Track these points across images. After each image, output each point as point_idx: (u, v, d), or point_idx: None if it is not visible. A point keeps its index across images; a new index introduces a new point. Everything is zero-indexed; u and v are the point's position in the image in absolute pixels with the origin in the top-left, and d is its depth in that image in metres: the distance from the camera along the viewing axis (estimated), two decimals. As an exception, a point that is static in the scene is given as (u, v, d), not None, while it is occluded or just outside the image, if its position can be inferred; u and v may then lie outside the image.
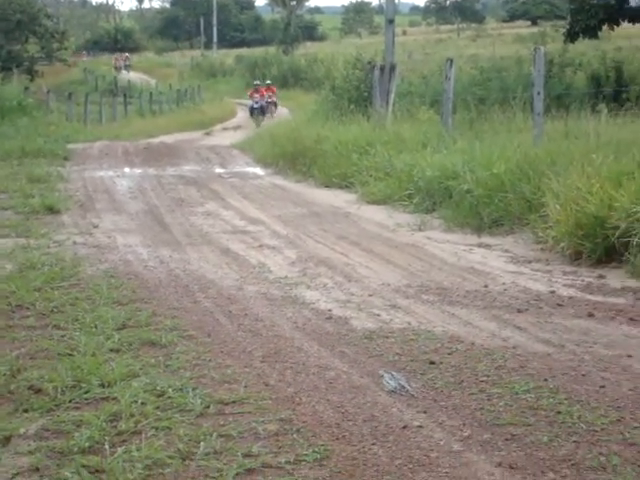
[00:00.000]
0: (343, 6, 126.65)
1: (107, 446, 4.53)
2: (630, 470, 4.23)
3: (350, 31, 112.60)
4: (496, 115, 15.56)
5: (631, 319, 6.91)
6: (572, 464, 4.32)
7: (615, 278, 8.31)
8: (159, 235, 11.10)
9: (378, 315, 7.17)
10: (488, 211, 11.04)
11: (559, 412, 4.94)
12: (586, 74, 23.31)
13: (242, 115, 42.32)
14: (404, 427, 4.78)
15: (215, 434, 4.66)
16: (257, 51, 75.83)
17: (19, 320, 6.96)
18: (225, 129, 36.29)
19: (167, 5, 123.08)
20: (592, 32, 28.98)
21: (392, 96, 19.79)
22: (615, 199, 8.73)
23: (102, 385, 5.40)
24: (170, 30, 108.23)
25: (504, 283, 8.24)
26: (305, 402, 5.17)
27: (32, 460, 4.42)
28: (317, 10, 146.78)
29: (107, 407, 5.02)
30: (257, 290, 8.11)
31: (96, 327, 6.63)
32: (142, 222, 12.19)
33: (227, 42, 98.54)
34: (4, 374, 5.60)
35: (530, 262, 9.24)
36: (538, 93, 12.98)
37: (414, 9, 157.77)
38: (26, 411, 5.05)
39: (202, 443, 4.56)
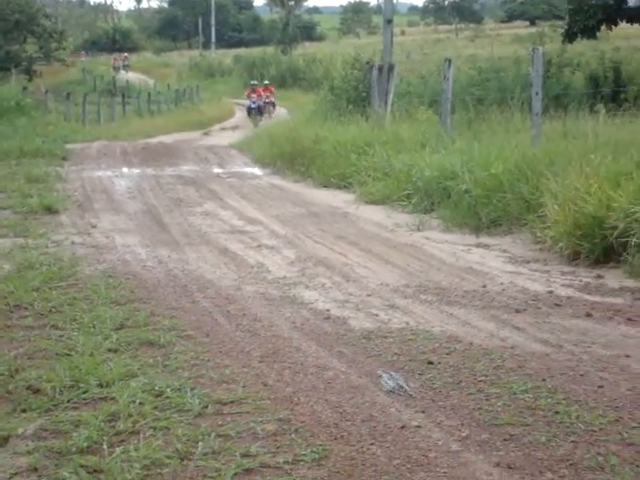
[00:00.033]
0: (341, 6, 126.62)
1: (105, 446, 4.53)
2: (628, 470, 4.23)
3: (348, 31, 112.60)
4: (494, 115, 15.56)
5: (629, 319, 6.92)
6: (570, 464, 4.32)
7: (613, 278, 8.31)
8: (157, 235, 11.10)
9: (376, 315, 7.17)
10: (486, 211, 11.05)
11: (557, 412, 4.94)
12: (584, 74, 23.32)
13: (240, 115, 42.31)
14: (402, 427, 4.78)
15: (213, 434, 4.66)
16: (255, 51, 75.83)
17: (17, 320, 6.96)
18: (223, 129, 36.30)
19: (165, 5, 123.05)
20: (590, 32, 28.97)
21: (391, 96, 19.80)
22: (613, 199, 8.73)
23: (100, 385, 5.40)
24: (168, 30, 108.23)
25: (502, 283, 8.24)
26: (303, 402, 5.17)
27: (30, 460, 4.42)
28: (315, 10, 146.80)
29: (105, 407, 5.02)
30: (255, 290, 8.11)
31: (94, 327, 6.63)
32: (140, 222, 12.19)
33: (225, 42, 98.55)
34: (2, 374, 5.60)
35: (528, 262, 9.25)
36: (536, 93, 12.99)
37: (412, 9, 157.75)
38: (24, 411, 5.05)
39: (200, 443, 4.56)
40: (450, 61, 16.49)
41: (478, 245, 10.25)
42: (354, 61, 23.11)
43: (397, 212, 12.77)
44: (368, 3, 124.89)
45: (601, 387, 5.35)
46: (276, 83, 51.53)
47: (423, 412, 5.01)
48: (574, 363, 5.83)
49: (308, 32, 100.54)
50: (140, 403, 5.07)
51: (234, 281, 8.49)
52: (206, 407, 5.07)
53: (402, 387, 5.38)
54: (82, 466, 4.32)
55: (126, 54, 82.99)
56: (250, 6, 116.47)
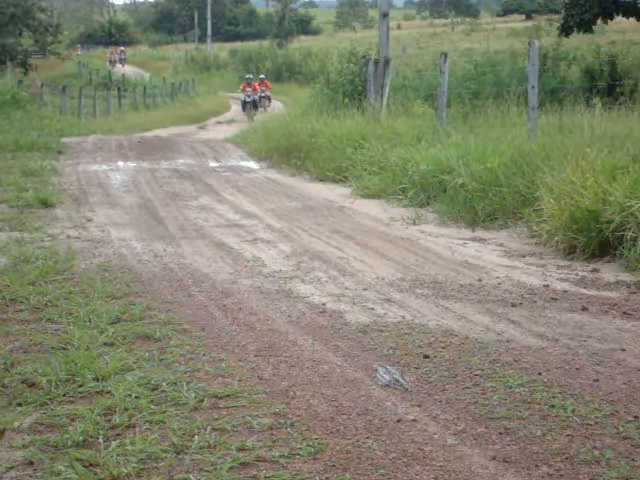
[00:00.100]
0: (337, 0, 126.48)
1: (101, 440, 4.53)
2: (624, 464, 4.23)
3: (344, 25, 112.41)
4: (490, 109, 15.57)
5: (625, 313, 6.93)
6: (566, 457, 4.32)
7: (609, 272, 8.32)
8: (153, 229, 11.09)
9: (372, 309, 7.18)
10: (482, 205, 11.05)
11: (553, 406, 4.94)
12: (580, 68, 23.30)
13: (236, 109, 42.26)
14: (398, 421, 4.78)
15: (209, 428, 4.66)
16: (251, 45, 75.71)
17: (13, 314, 6.95)
18: (219, 123, 36.27)
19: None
20: (586, 26, 28.98)
21: (386, 90, 19.79)
22: (609, 193, 8.74)
23: (96, 379, 5.40)
24: (164, 23, 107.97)
25: (498, 277, 8.25)
26: (299, 396, 5.17)
27: (26, 454, 4.42)
28: (311, 4, 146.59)
29: (101, 401, 5.02)
30: (251, 284, 8.11)
31: (90, 321, 6.63)
32: (136, 216, 12.18)
33: (221, 36, 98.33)
34: (-2, 368, 5.61)
35: (524, 256, 9.25)
36: (532, 87, 12.99)
37: (408, 3, 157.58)
38: (20, 405, 5.05)
39: (196, 437, 4.56)
40: (446, 55, 16.48)
41: (474, 239, 10.26)
42: (350, 55, 23.08)
43: (393, 206, 12.78)
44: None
45: (597, 381, 5.35)
46: (272, 77, 51.48)
47: (419, 406, 5.02)
48: (570, 357, 5.84)
49: (304, 26, 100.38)
50: (136, 397, 5.07)
51: (230, 275, 8.49)
52: (202, 401, 5.07)
53: (398, 381, 5.39)
54: (78, 460, 4.32)
55: (122, 48, 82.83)
56: (246, 0, 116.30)
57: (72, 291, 7.57)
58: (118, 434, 4.62)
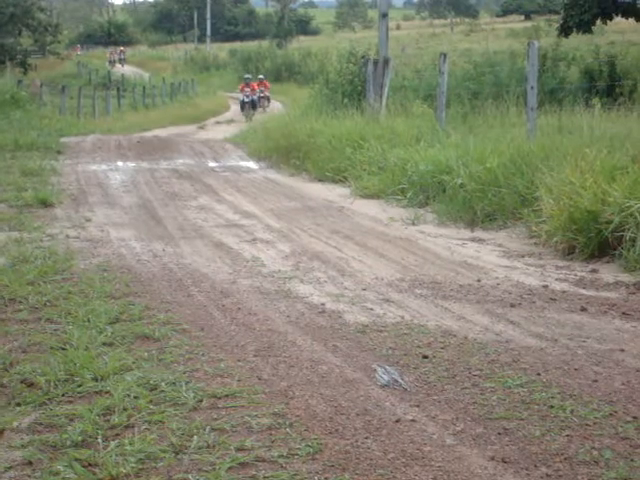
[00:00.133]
0: (337, 0, 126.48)
1: (100, 440, 4.53)
2: (623, 464, 4.23)
3: (344, 25, 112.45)
4: (489, 109, 15.58)
5: (624, 313, 6.93)
6: (565, 458, 4.32)
7: (608, 272, 8.32)
8: (152, 229, 11.09)
9: (371, 309, 7.18)
10: (481, 205, 11.05)
11: (552, 406, 4.94)
12: (579, 68, 23.32)
13: (235, 109, 42.27)
14: (397, 421, 4.78)
15: (208, 428, 4.66)
16: (251, 45, 75.73)
17: (12, 314, 6.95)
18: (218, 123, 36.29)
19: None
20: (586, 26, 29.03)
21: (386, 90, 19.80)
22: (608, 194, 8.74)
23: (95, 379, 5.39)
24: (163, 23, 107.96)
25: (497, 277, 8.25)
26: (298, 396, 5.17)
27: (25, 454, 4.42)
28: (311, 4, 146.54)
29: (100, 401, 5.02)
30: (250, 284, 8.11)
31: (89, 321, 6.62)
32: (135, 216, 12.18)
33: (221, 36, 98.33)
34: (-3, 368, 5.60)
35: (523, 256, 9.25)
36: (531, 87, 12.99)
37: (408, 3, 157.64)
38: (19, 405, 5.04)
39: (195, 437, 4.55)
40: (445, 55, 16.49)
41: (473, 239, 10.26)
42: (349, 55, 23.10)
43: (392, 206, 12.78)
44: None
45: (595, 381, 5.35)
46: (271, 77, 51.52)
47: (418, 406, 5.02)
48: (569, 357, 5.84)
49: (303, 26, 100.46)
50: (135, 397, 5.07)
51: (229, 275, 8.48)
52: (201, 401, 5.07)
53: (397, 381, 5.39)
54: (77, 460, 4.32)
55: (122, 48, 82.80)
56: (245, 0, 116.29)
57: (71, 291, 7.56)
58: (117, 434, 4.62)
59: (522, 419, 4.78)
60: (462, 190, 11.49)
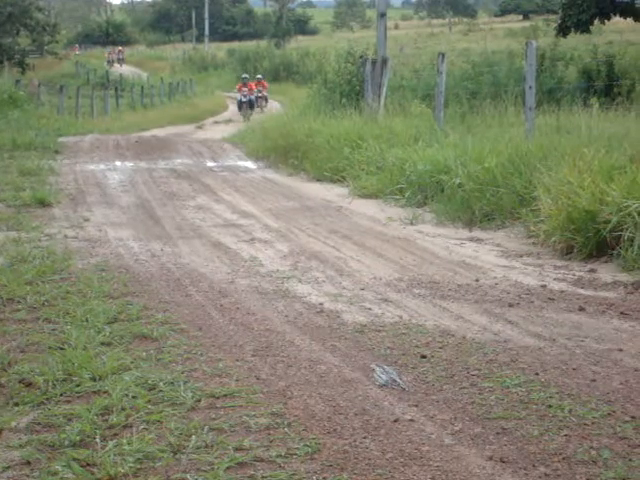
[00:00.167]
0: (335, 0, 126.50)
1: (98, 440, 4.52)
2: (621, 464, 4.23)
3: (342, 25, 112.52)
4: (488, 109, 15.59)
5: (622, 313, 6.93)
6: (563, 458, 4.32)
7: (606, 272, 8.32)
8: (150, 229, 11.09)
9: (369, 309, 7.18)
10: (480, 205, 11.05)
11: (550, 406, 4.94)
12: (578, 68, 23.32)
13: (233, 109, 42.25)
14: (395, 421, 4.78)
15: (206, 428, 4.66)
16: (249, 45, 75.76)
17: (10, 313, 6.95)
18: (216, 122, 36.30)
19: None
20: (584, 26, 29.04)
21: (384, 90, 19.81)
22: (606, 193, 8.74)
23: (93, 379, 5.39)
24: (162, 23, 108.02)
25: (495, 277, 8.25)
26: (296, 396, 5.17)
27: (23, 453, 4.42)
28: (309, 4, 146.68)
29: (98, 401, 5.02)
30: (248, 284, 8.10)
31: (87, 321, 6.62)
32: (133, 215, 12.17)
33: (219, 35, 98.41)
34: (-5, 367, 5.60)
35: (521, 256, 9.25)
36: (530, 87, 13.00)
37: (406, 3, 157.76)
38: (17, 404, 5.04)
39: (193, 437, 4.55)
40: (443, 55, 16.50)
41: (471, 239, 10.26)
42: (347, 55, 23.10)
43: (390, 206, 12.78)
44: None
45: (594, 381, 5.36)
46: (269, 77, 51.54)
47: (416, 406, 5.02)
48: (567, 357, 5.84)
49: (301, 26, 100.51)
50: (133, 397, 5.06)
51: (227, 275, 8.48)
52: (199, 401, 5.07)
53: (395, 381, 5.39)
54: (75, 459, 4.31)
55: (120, 47, 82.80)
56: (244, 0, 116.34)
57: (69, 291, 7.56)
58: (115, 434, 4.62)
59: (520, 419, 4.79)
60: (460, 190, 11.49)
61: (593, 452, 4.37)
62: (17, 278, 7.88)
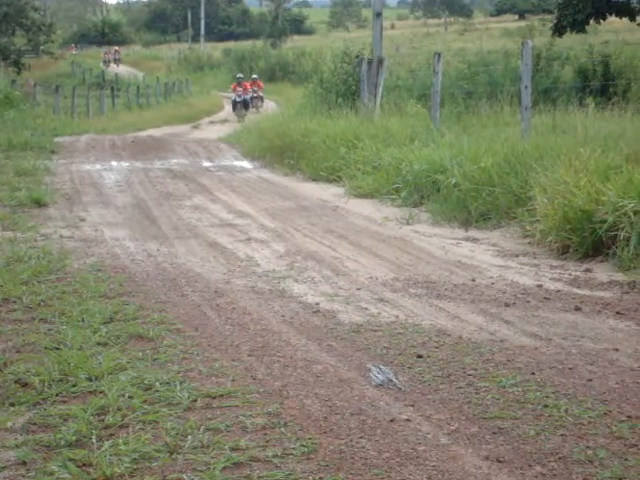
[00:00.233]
0: (331, 0, 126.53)
1: (94, 440, 4.52)
2: (617, 463, 4.24)
3: (338, 25, 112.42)
4: (484, 109, 15.61)
5: (618, 313, 6.93)
6: (559, 457, 4.33)
7: (602, 272, 8.33)
8: (146, 229, 11.08)
9: (366, 309, 7.18)
10: (476, 205, 11.06)
11: (546, 405, 4.95)
12: (573, 68, 23.31)
13: (229, 108, 42.19)
14: (392, 420, 4.78)
15: (202, 428, 4.66)
16: (245, 44, 75.69)
17: (6, 314, 6.94)
18: (212, 122, 36.27)
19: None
20: (579, 26, 29.05)
21: (380, 90, 19.81)
22: (602, 193, 8.74)
23: (89, 379, 5.39)
24: (157, 23, 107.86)
25: (491, 277, 8.25)
26: (293, 396, 5.17)
27: (19, 454, 4.41)
28: (305, 3, 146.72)
29: (94, 401, 5.01)
30: (245, 284, 8.10)
31: (83, 321, 6.62)
32: (129, 215, 12.17)
33: (215, 35, 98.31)
34: (-9, 368, 5.59)
35: (517, 256, 9.26)
36: (525, 87, 13.00)
37: (402, 3, 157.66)
38: (13, 405, 5.04)
39: (189, 437, 4.55)
40: (439, 55, 16.51)
41: (467, 239, 10.27)
42: (343, 55, 23.11)
43: (386, 206, 12.78)
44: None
45: (590, 381, 5.36)
46: (265, 77, 51.48)
47: (412, 406, 5.02)
48: (563, 357, 5.85)
49: (297, 26, 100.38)
50: (129, 397, 5.06)
51: (223, 275, 8.48)
52: (195, 401, 5.06)
53: (391, 381, 5.39)
54: (71, 460, 4.31)
55: (117, 47, 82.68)
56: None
57: (65, 291, 7.56)
58: (111, 434, 4.62)
59: (516, 418, 4.79)
60: (456, 190, 11.50)
61: (589, 452, 4.37)
62: (13, 278, 7.88)
